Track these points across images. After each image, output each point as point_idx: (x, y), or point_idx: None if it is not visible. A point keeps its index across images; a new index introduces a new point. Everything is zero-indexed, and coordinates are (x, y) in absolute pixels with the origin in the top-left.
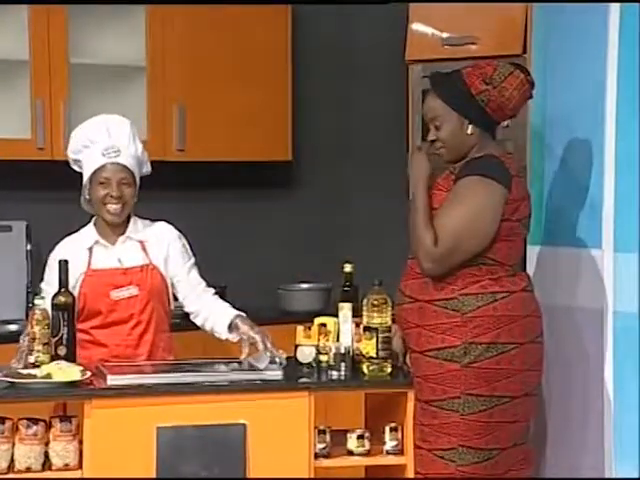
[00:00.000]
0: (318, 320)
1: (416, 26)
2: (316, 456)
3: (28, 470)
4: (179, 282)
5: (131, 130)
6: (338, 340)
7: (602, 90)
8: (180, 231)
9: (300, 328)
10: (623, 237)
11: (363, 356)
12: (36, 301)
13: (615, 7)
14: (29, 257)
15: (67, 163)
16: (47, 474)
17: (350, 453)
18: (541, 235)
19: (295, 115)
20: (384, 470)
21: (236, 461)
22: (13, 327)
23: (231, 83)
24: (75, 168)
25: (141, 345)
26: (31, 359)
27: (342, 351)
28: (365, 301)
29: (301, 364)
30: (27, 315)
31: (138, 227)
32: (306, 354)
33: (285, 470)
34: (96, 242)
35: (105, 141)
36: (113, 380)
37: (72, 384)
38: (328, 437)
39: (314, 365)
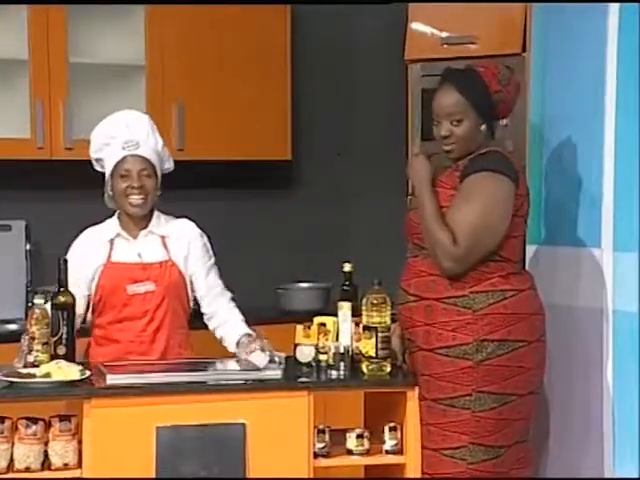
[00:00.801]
0: (317, 319)
1: (416, 26)
2: (315, 455)
3: (27, 470)
4: (197, 280)
5: (149, 124)
6: (337, 339)
7: (601, 89)
8: (202, 230)
9: (299, 327)
10: (623, 236)
11: (362, 355)
12: (35, 300)
13: (614, 7)
14: (28, 256)
15: (67, 163)
16: (46, 474)
17: (349, 452)
18: (540, 234)
19: (295, 115)
20: (383, 469)
21: (235, 461)
22: (13, 327)
23: (230, 82)
24: (98, 168)
25: (156, 342)
26: (30, 358)
27: (341, 350)
28: (364, 300)
29: (300, 363)
30: (26, 314)
31: (161, 222)
32: (305, 353)
33: (284, 470)
34: (118, 235)
35: (124, 135)
36: (112, 380)
37: (71, 383)
38: (327, 436)
39: (313, 364)
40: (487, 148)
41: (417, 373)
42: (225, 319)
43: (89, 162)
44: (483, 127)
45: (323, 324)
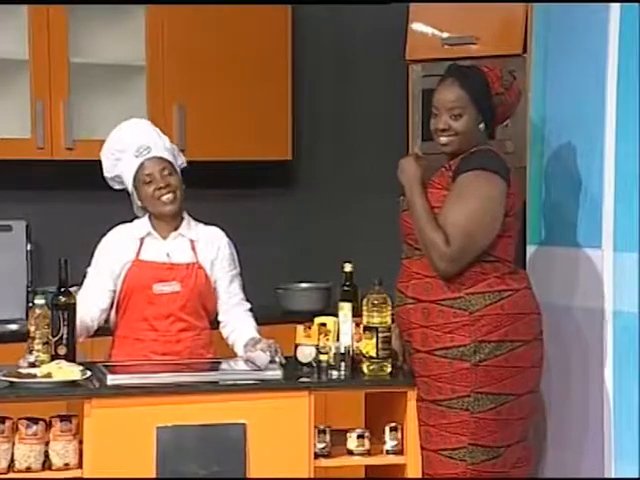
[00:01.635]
0: (318, 320)
1: (416, 26)
2: (316, 456)
3: (28, 470)
4: (219, 287)
5: (152, 127)
6: (338, 340)
7: (602, 89)
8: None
9: (300, 328)
10: (623, 236)
11: (363, 356)
12: (36, 300)
13: (615, 7)
14: (29, 257)
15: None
16: (47, 474)
17: (350, 453)
18: (540, 234)
19: (295, 114)
20: (384, 470)
21: (236, 461)
22: (13, 327)
23: (231, 83)
24: (116, 187)
25: (179, 342)
26: (31, 358)
27: (342, 351)
28: (365, 301)
29: (301, 364)
30: (27, 315)
31: (191, 226)
32: (306, 354)
33: (285, 470)
34: (148, 234)
35: (133, 144)
36: (113, 380)
37: (72, 383)
38: (328, 437)
39: (314, 365)
40: (479, 147)
41: (415, 375)
42: (238, 327)
43: (89, 162)
44: (481, 126)
45: (324, 324)
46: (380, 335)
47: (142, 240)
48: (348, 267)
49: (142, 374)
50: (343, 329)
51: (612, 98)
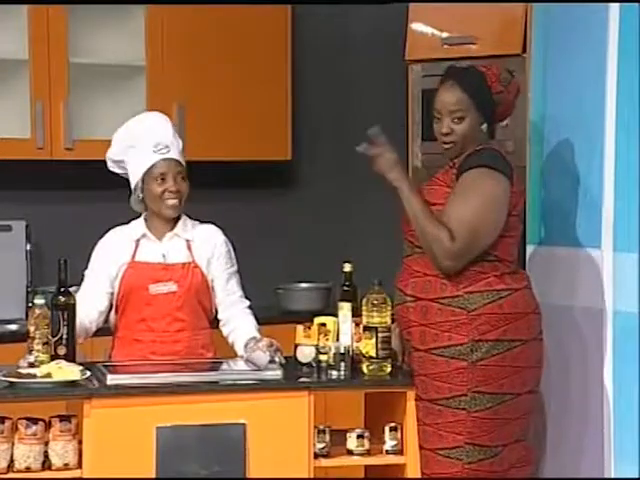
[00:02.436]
0: (318, 320)
1: (416, 26)
2: (316, 456)
3: (28, 470)
4: (217, 286)
5: (173, 126)
6: (338, 340)
7: (602, 89)
8: (227, 236)
9: (300, 328)
10: (623, 237)
11: (363, 356)
12: (36, 301)
13: (615, 7)
14: (29, 257)
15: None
16: (46, 474)
17: (350, 453)
18: (540, 235)
19: (295, 114)
20: (383, 470)
21: (236, 461)
22: (13, 327)
23: (231, 83)
24: (115, 170)
25: (178, 342)
26: (31, 359)
27: (342, 351)
28: (365, 301)
29: (301, 364)
30: (27, 315)
31: (187, 226)
32: (306, 354)
33: (285, 470)
34: (144, 235)
35: (153, 138)
36: (113, 380)
37: (72, 383)
38: (328, 437)
39: (314, 365)
40: (483, 146)
41: (413, 373)
42: (238, 325)
43: (89, 162)
44: (483, 127)
45: (323, 324)
46: (380, 335)
47: (137, 242)
48: (348, 267)
49: (142, 374)
50: (343, 329)
51: (612, 98)
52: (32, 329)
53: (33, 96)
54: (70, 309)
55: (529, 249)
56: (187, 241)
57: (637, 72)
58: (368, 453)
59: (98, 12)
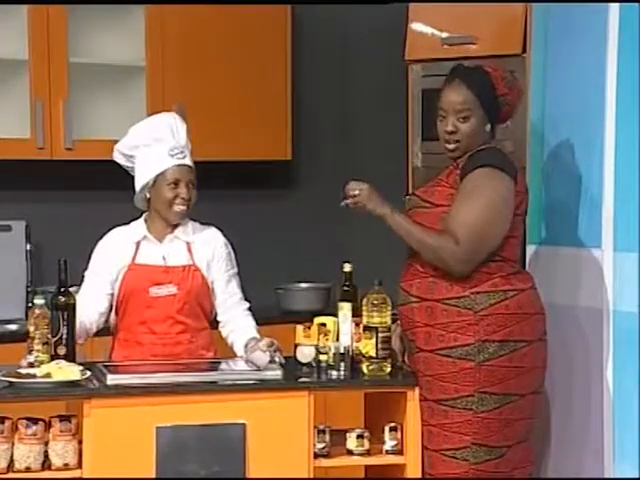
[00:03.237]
0: (318, 320)
1: (416, 26)
2: (315, 456)
3: (28, 470)
4: (217, 288)
5: (186, 129)
6: (338, 340)
7: (602, 89)
8: (227, 238)
9: (300, 328)
10: (623, 237)
11: (363, 356)
12: (36, 301)
13: (615, 7)
14: (28, 257)
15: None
16: (46, 474)
17: (349, 453)
18: (541, 234)
19: (295, 114)
20: (383, 470)
21: (236, 461)
22: (13, 327)
23: (230, 83)
24: (119, 160)
25: (179, 344)
26: (30, 359)
27: (342, 351)
28: (365, 301)
29: (301, 364)
30: (27, 315)
31: (188, 228)
32: (306, 354)
33: (284, 470)
34: (144, 237)
35: (170, 141)
36: (113, 380)
37: (72, 383)
38: (327, 437)
39: (314, 365)
40: (485, 146)
41: (418, 374)
42: (237, 326)
43: (89, 162)
44: (487, 127)
45: (323, 324)
46: (380, 335)
47: (138, 244)
48: (348, 267)
49: (142, 374)
50: (343, 329)
51: (612, 98)
52: (32, 329)
53: (33, 96)
54: (70, 309)
55: (530, 249)
56: (187, 243)
57: (637, 72)
58: (368, 453)
59: (98, 12)
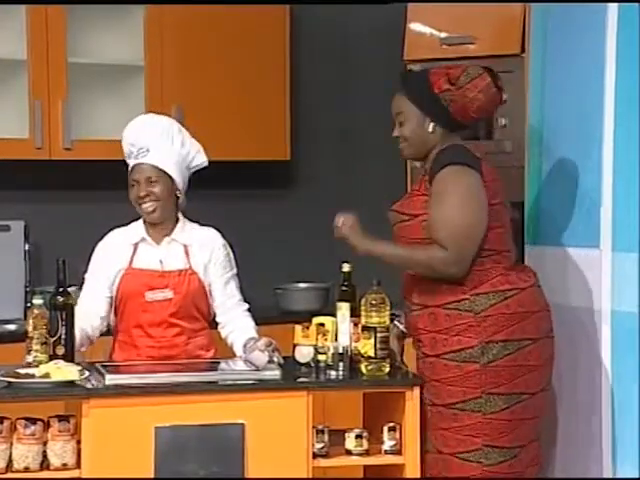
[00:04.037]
0: (316, 320)
1: (414, 26)
2: (314, 456)
3: (26, 470)
4: (215, 290)
5: (166, 128)
6: (336, 340)
7: (600, 89)
8: (226, 239)
9: (298, 328)
10: (621, 236)
11: (361, 356)
12: (34, 301)
13: (613, 7)
14: (27, 257)
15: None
16: (45, 474)
17: (348, 453)
18: (539, 235)
19: (294, 115)
20: (382, 470)
21: (234, 461)
22: (11, 327)
23: (229, 83)
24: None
25: (175, 347)
26: (29, 359)
27: (340, 351)
28: (363, 301)
29: (299, 364)
30: (25, 315)
31: (185, 230)
32: (304, 354)
33: (283, 470)
34: (142, 239)
35: (135, 143)
36: (111, 380)
37: (70, 384)
38: (326, 437)
39: (312, 365)
40: (444, 145)
41: (426, 379)
42: (236, 327)
43: (88, 162)
44: (432, 126)
45: (322, 324)
46: (378, 335)
47: (136, 246)
48: (346, 267)
49: (141, 374)
50: (341, 329)
51: (610, 97)
52: (30, 329)
53: (32, 96)
54: (69, 309)
55: (528, 249)
56: (185, 246)
57: (636, 72)
58: (367, 453)
59: (97, 12)
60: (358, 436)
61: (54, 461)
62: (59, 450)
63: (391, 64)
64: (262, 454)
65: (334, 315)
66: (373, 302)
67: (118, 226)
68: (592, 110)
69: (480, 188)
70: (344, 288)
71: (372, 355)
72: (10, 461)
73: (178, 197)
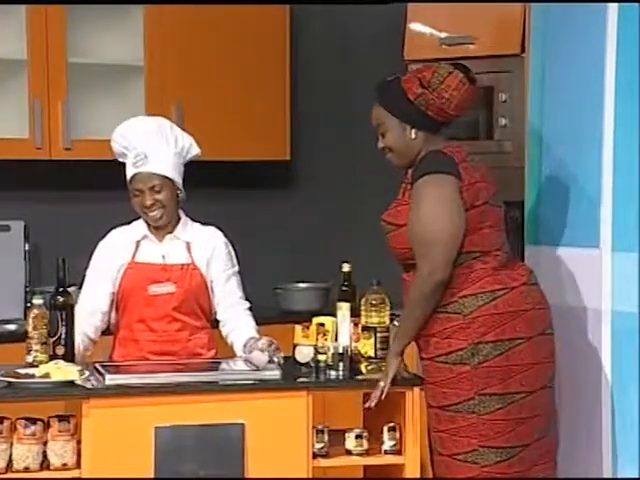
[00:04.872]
0: (316, 320)
1: (414, 26)
2: (314, 456)
3: (26, 470)
4: (216, 287)
5: (158, 130)
6: (336, 340)
7: (600, 89)
8: (227, 237)
9: (298, 328)
10: (621, 236)
11: (361, 356)
12: (34, 301)
13: (614, 7)
14: (27, 257)
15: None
16: (45, 474)
17: (348, 453)
18: (539, 234)
19: (294, 115)
20: (382, 470)
21: (234, 461)
22: (11, 327)
23: (229, 83)
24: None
25: (177, 342)
26: (29, 359)
27: (340, 351)
28: (363, 301)
29: (299, 364)
30: (25, 315)
31: (187, 228)
32: (304, 354)
33: (283, 470)
34: (144, 237)
35: (133, 149)
36: (111, 380)
37: (70, 383)
38: (326, 437)
39: (312, 365)
40: (424, 153)
41: (424, 381)
42: (237, 326)
43: (88, 162)
44: (413, 132)
45: (322, 324)
46: (378, 335)
47: (138, 243)
48: (346, 267)
49: (140, 374)
50: (341, 329)
51: (610, 97)
52: (30, 329)
53: (32, 96)
54: (69, 309)
55: (528, 249)
56: (187, 243)
57: (636, 72)
58: (367, 453)
59: (97, 12)
60: (358, 436)
61: (54, 461)
62: (59, 450)
63: (391, 64)
64: (262, 454)
65: (334, 315)
66: (373, 302)
67: (118, 226)
68: (592, 110)
69: (454, 193)
70: (344, 288)
71: (372, 355)
72: (10, 461)
73: (179, 195)
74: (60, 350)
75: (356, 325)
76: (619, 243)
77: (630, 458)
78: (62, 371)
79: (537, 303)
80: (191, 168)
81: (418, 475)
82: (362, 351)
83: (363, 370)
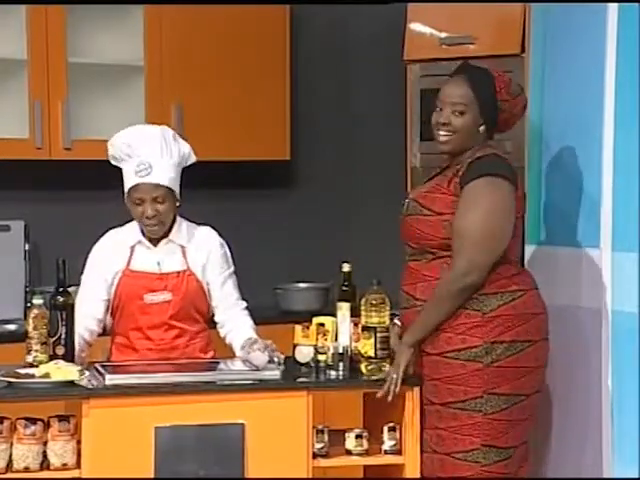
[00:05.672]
0: (316, 320)
1: (414, 26)
2: (314, 456)
3: (26, 470)
4: (212, 289)
5: (162, 139)
6: (336, 340)
7: (600, 89)
8: (225, 238)
9: (298, 328)
10: (621, 236)
11: (361, 355)
12: (34, 301)
13: (614, 7)
14: (27, 257)
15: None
16: (45, 474)
17: (348, 453)
18: (540, 234)
19: (294, 115)
20: (382, 470)
21: (234, 461)
22: (11, 327)
23: (229, 83)
24: (115, 164)
25: (175, 349)
26: (29, 359)
27: (340, 351)
28: (363, 301)
29: (299, 364)
30: (25, 315)
31: (182, 230)
32: (304, 354)
33: (283, 470)
34: (139, 242)
35: (136, 157)
36: (111, 380)
37: (70, 384)
38: (326, 437)
39: (312, 365)
40: (484, 151)
41: (425, 378)
42: (235, 327)
43: (88, 162)
44: (482, 128)
45: (322, 324)
46: (378, 335)
47: (132, 248)
48: (346, 267)
49: (140, 374)
50: (341, 329)
51: (610, 98)
52: (30, 329)
53: (32, 96)
54: (68, 309)
55: (528, 249)
56: (182, 247)
57: (636, 72)
58: (367, 453)
59: (97, 12)
60: (358, 436)
61: (54, 461)
62: (59, 450)
63: (391, 64)
64: (262, 454)
65: (334, 315)
66: (373, 302)
67: (117, 226)
68: (592, 110)
69: (511, 203)
70: (344, 288)
71: (372, 355)
72: (10, 461)
73: (177, 205)
74: (60, 350)
75: (356, 325)
76: (619, 243)
77: (630, 458)
78: (62, 371)
79: (542, 307)
80: (191, 168)
81: (418, 475)
82: (362, 351)
83: (363, 370)
